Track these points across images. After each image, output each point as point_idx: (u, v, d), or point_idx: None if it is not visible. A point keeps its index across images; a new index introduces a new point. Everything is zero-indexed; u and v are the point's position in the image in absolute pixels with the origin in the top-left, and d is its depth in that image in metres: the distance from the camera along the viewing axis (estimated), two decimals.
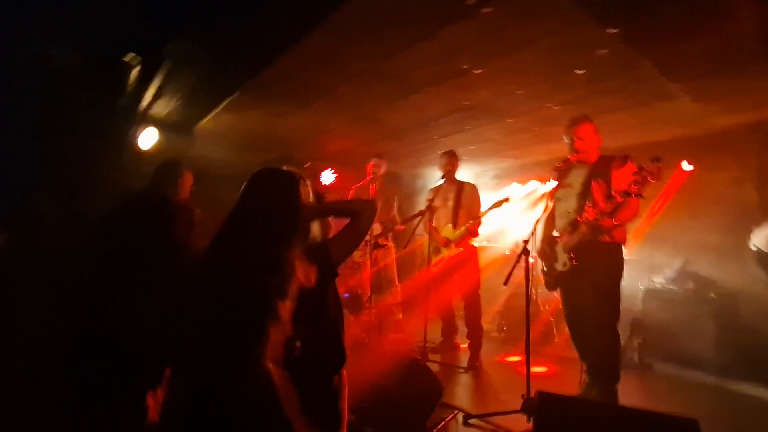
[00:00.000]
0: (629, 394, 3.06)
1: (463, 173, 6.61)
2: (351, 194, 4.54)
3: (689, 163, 4.31)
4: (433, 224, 3.73)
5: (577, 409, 1.64)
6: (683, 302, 3.68)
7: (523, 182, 5.66)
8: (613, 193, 2.29)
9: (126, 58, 2.91)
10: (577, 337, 2.67)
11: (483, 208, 3.69)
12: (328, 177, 5.51)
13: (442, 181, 3.73)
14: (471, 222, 3.55)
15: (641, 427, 1.51)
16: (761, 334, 3.22)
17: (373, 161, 4.41)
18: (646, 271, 4.34)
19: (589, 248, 2.43)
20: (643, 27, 2.10)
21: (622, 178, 2.34)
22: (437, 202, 3.71)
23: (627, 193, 2.21)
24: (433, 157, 4.94)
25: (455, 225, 3.61)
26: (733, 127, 3.93)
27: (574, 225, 2.48)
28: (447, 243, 3.61)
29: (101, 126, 3.44)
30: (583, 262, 2.46)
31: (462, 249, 3.57)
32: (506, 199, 3.53)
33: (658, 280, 4.01)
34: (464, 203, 3.70)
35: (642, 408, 1.64)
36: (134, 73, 3.04)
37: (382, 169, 4.42)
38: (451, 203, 3.67)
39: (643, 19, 2.03)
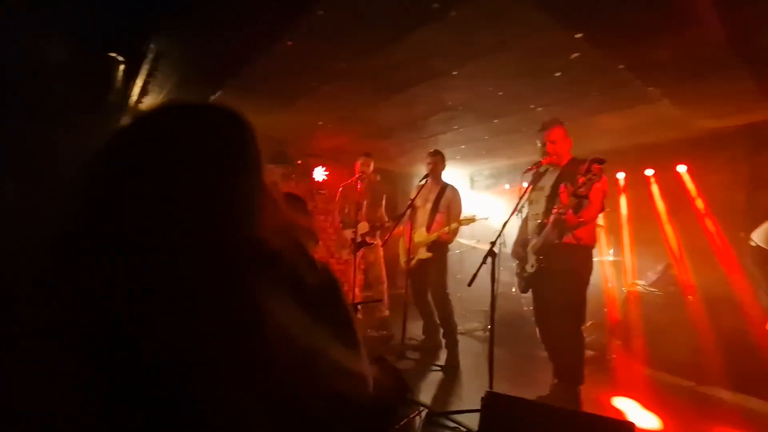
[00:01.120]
0: (604, 394, 3.10)
1: (457, 173, 6.64)
2: (338, 193, 4.60)
3: (684, 166, 4.32)
4: (412, 224, 3.74)
5: (521, 409, 1.67)
6: (663, 305, 3.67)
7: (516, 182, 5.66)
8: (565, 193, 2.33)
9: (112, 54, 2.99)
10: (545, 339, 2.70)
11: (463, 213, 3.67)
12: (319, 174, 5.58)
13: (424, 181, 3.75)
14: (445, 230, 3.54)
15: (580, 429, 1.54)
16: (737, 340, 3.21)
17: (361, 160, 4.44)
18: (630, 274, 4.34)
19: (555, 250, 2.44)
20: (607, 32, 2.11)
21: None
22: (418, 202, 3.72)
23: (575, 195, 2.24)
24: (425, 155, 4.98)
25: (429, 229, 3.62)
26: (723, 131, 3.90)
27: (541, 227, 2.50)
28: (417, 246, 3.63)
29: (92, 121, 3.53)
30: (550, 265, 2.48)
31: (431, 255, 3.58)
32: (473, 218, 3.54)
33: (641, 283, 4.01)
34: (442, 207, 3.67)
35: (584, 411, 1.66)
36: (121, 68, 3.12)
37: (371, 168, 4.45)
38: (429, 205, 3.67)
39: (605, 24, 2.04)
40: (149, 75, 3.11)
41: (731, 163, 4.07)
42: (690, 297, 3.59)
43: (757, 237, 3.29)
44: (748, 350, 3.03)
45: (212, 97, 3.33)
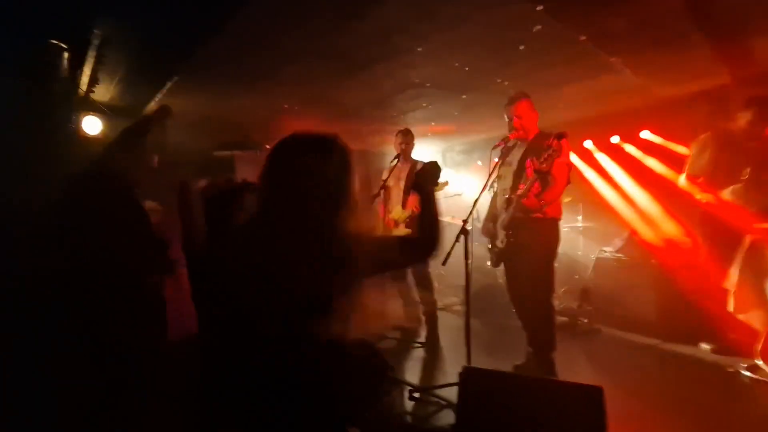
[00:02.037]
0: (578, 358, 3.24)
1: (429, 149, 6.63)
2: None
3: (652, 133, 4.43)
4: (386, 205, 3.73)
5: (496, 381, 1.73)
6: (629, 270, 3.83)
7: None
8: (526, 167, 2.35)
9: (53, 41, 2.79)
10: (518, 309, 2.78)
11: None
12: None
13: (395, 161, 3.72)
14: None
15: (552, 395, 1.61)
16: (696, 298, 3.39)
17: None
18: (599, 241, 4.49)
19: (523, 225, 2.49)
20: (566, 3, 2.09)
21: None
22: (391, 182, 3.70)
23: (537, 171, 2.26)
24: (395, 135, 4.93)
25: (404, 205, 3.62)
26: (681, 97, 4.00)
27: (509, 203, 2.53)
28: (396, 224, 3.63)
29: (37, 113, 3.31)
30: (518, 239, 2.52)
31: (410, 231, 3.59)
32: (446, 183, 3.56)
33: (608, 249, 4.16)
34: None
35: (555, 379, 1.74)
36: (65, 56, 2.91)
37: None
38: (402, 183, 3.66)
39: None
40: (97, 62, 2.92)
41: (690, 128, 4.19)
42: (653, 260, 3.75)
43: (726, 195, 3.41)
44: (704, 307, 3.21)
45: (168, 83, 3.17)
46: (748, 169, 2.79)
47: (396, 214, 3.63)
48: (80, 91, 3.42)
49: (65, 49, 2.86)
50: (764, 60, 3.17)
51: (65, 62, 2.95)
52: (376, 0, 2.14)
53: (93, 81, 3.22)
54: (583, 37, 2.52)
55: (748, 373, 2.66)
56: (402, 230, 3.57)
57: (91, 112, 3.58)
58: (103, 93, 3.49)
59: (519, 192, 2.41)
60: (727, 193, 2.87)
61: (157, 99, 3.60)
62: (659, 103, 4.18)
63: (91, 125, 3.61)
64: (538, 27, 2.44)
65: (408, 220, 3.54)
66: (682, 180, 3.18)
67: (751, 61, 3.20)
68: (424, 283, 3.63)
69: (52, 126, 3.42)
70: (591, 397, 1.56)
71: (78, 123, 3.57)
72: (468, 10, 2.33)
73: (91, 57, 2.87)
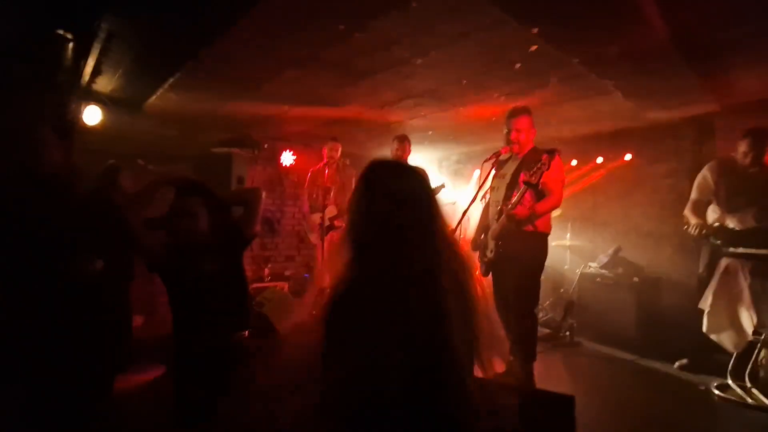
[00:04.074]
0: (557, 369, 3.33)
1: (426, 158, 6.72)
2: (307, 178, 4.60)
3: (631, 155, 4.56)
4: None
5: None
6: (612, 286, 3.94)
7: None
8: (519, 181, 2.44)
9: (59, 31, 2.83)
10: (502, 319, 2.85)
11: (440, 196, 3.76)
12: (287, 158, 5.51)
13: None
14: None
15: (524, 403, 1.67)
16: (674, 317, 3.50)
17: (328, 145, 4.43)
18: (585, 256, 4.59)
19: (513, 237, 2.57)
20: (560, 28, 2.19)
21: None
22: None
23: (526, 183, 2.35)
24: (392, 140, 5.00)
25: None
26: (670, 122, 4.13)
27: (500, 213, 2.62)
28: None
29: (42, 101, 3.34)
30: (507, 250, 2.60)
31: None
32: (442, 186, 3.63)
33: (593, 265, 4.26)
34: None
35: (529, 387, 1.81)
36: (70, 46, 2.95)
37: (338, 153, 4.45)
38: None
39: (557, 21, 2.11)
40: (102, 54, 2.96)
41: (677, 152, 4.34)
42: (635, 278, 3.86)
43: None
44: (682, 326, 3.31)
45: (170, 80, 3.21)
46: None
47: None
48: (82, 81, 3.45)
49: (70, 40, 2.90)
50: (747, 91, 3.31)
51: (69, 52, 3.00)
52: (378, 12, 2.22)
53: (96, 72, 3.26)
54: (576, 60, 2.62)
55: (718, 392, 2.76)
56: None
57: (92, 102, 3.61)
58: (105, 84, 3.52)
59: (511, 201, 2.50)
60: (731, 220, 2.95)
61: (158, 93, 3.64)
62: (647, 126, 4.32)
63: (92, 115, 3.65)
64: (534, 48, 2.53)
65: None
66: (687, 209, 3.24)
67: (735, 92, 3.33)
68: None
69: (51, 114, 3.46)
70: (562, 406, 1.63)
71: (79, 113, 3.61)
72: (467, 28, 2.42)
73: (95, 49, 2.91)
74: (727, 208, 2.99)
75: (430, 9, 2.22)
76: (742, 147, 2.95)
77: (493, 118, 4.29)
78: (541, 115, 3.67)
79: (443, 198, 4.36)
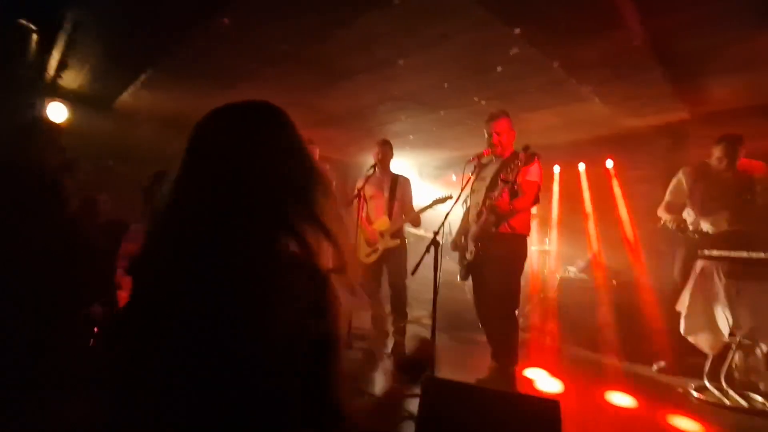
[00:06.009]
0: (538, 373, 3.29)
1: (406, 163, 6.69)
2: None
3: (611, 161, 4.66)
4: (365, 215, 3.69)
5: (457, 392, 1.73)
6: (591, 290, 3.97)
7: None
8: (499, 180, 2.44)
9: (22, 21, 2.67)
10: (483, 323, 2.81)
11: (423, 202, 3.68)
12: None
13: (371, 171, 3.71)
14: (414, 214, 3.56)
15: (510, 408, 1.63)
16: (651, 320, 3.55)
17: None
18: (566, 262, 4.63)
19: (492, 239, 2.54)
20: (541, 29, 2.20)
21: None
22: (369, 192, 3.67)
23: (503, 180, 2.35)
24: (373, 144, 4.97)
25: (390, 216, 3.60)
26: (644, 129, 4.24)
27: (479, 215, 2.59)
28: (382, 235, 3.59)
29: (3, 96, 3.14)
30: (487, 252, 2.57)
31: (399, 241, 3.58)
32: (449, 197, 3.53)
33: (572, 269, 4.29)
34: (399, 196, 3.65)
35: (515, 392, 1.78)
36: (33, 37, 2.79)
37: (316, 155, 4.36)
38: (386, 194, 3.63)
39: (540, 22, 2.13)
40: (68, 47, 2.81)
41: (651, 159, 4.44)
42: (614, 281, 3.90)
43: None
44: (659, 329, 3.35)
45: (142, 76, 3.08)
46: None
47: (381, 224, 3.60)
48: (47, 75, 3.28)
49: (34, 31, 2.75)
50: (719, 100, 3.42)
51: (33, 44, 2.84)
52: (360, 9, 2.18)
53: (62, 66, 3.11)
54: (556, 64, 2.65)
55: (696, 394, 2.78)
56: (389, 241, 3.54)
57: (57, 99, 3.43)
58: (71, 79, 3.36)
59: (492, 197, 2.48)
60: (705, 223, 3.02)
61: (129, 90, 3.50)
62: (624, 133, 4.41)
63: (57, 112, 3.46)
64: (515, 50, 2.54)
65: (396, 231, 3.53)
66: (660, 209, 3.30)
67: (706, 100, 3.44)
68: (401, 293, 3.60)
69: (12, 109, 3.26)
70: (548, 410, 1.59)
71: (42, 109, 3.42)
72: (449, 30, 2.41)
73: (61, 41, 2.77)
74: (702, 212, 3.06)
75: (411, 8, 2.20)
76: (717, 152, 3.03)
77: (474, 124, 4.32)
78: (519, 121, 3.65)
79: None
